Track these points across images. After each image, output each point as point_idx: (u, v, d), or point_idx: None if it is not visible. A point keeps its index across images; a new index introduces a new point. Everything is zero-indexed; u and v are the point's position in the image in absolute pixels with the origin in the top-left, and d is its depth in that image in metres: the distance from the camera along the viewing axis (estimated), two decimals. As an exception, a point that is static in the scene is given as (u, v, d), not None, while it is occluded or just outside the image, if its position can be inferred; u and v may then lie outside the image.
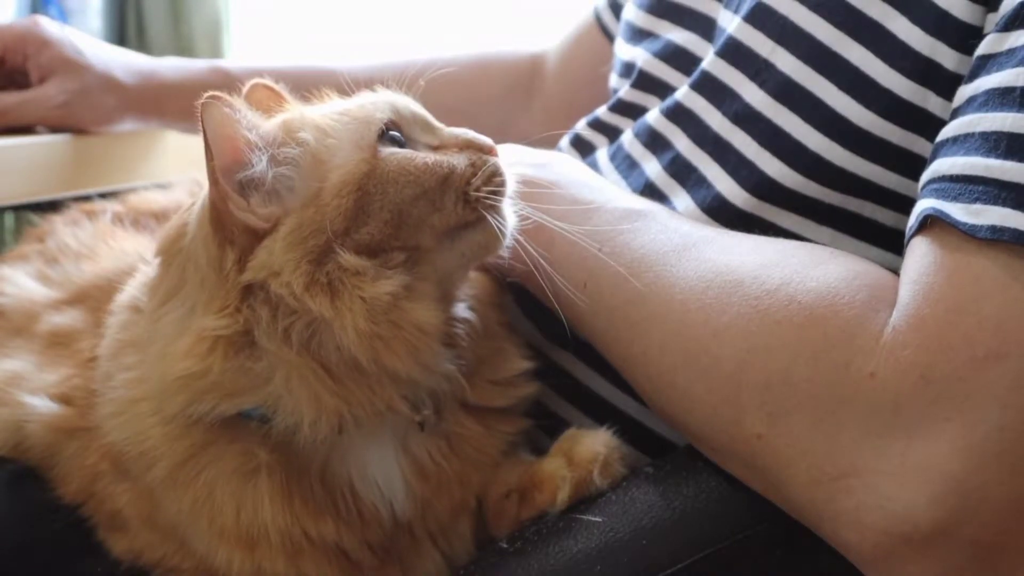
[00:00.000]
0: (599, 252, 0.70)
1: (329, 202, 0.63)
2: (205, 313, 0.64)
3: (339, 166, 0.65)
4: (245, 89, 0.75)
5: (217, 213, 0.63)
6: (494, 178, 0.68)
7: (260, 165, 0.64)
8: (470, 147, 0.69)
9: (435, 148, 0.69)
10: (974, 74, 0.61)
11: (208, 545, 0.68)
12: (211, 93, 0.62)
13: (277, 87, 0.75)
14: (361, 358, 0.63)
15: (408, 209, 0.64)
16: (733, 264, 0.65)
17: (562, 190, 0.75)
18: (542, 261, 0.69)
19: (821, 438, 0.57)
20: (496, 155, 0.70)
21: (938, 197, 0.58)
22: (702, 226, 0.71)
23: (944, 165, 0.59)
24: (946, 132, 0.61)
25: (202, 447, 0.67)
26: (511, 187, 0.70)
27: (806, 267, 0.62)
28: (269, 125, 0.66)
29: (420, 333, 0.64)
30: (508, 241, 0.69)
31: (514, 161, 0.74)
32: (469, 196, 0.66)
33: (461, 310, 0.72)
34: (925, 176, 0.61)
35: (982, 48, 0.62)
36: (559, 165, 0.79)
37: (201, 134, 0.62)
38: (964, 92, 0.62)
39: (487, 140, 0.70)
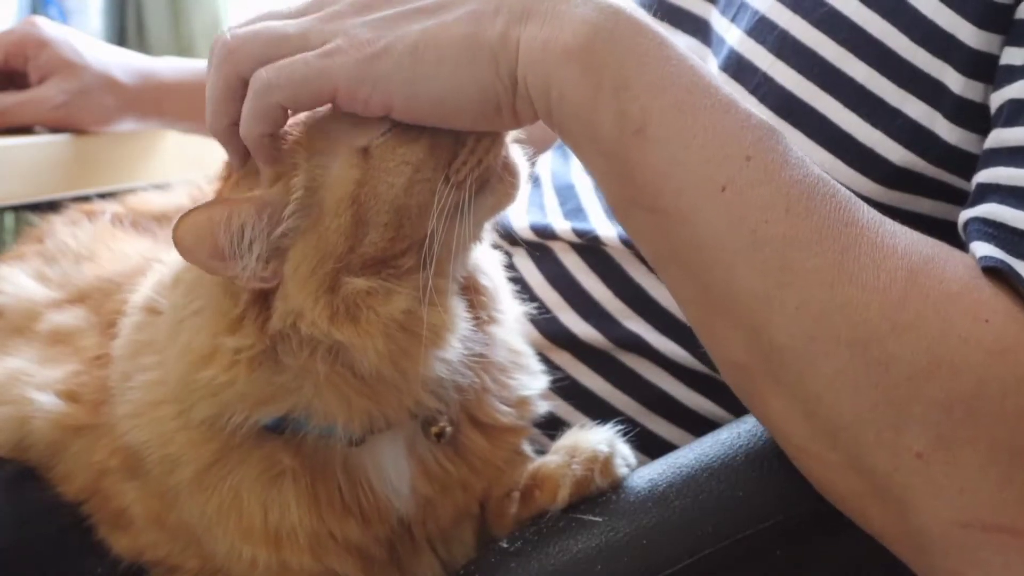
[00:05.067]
0: (743, 159, 0.56)
1: (328, 225, 0.62)
2: (227, 329, 0.63)
3: (332, 184, 0.63)
4: None
5: None
6: (483, 140, 0.63)
7: (254, 254, 0.62)
8: None
9: None
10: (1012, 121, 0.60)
11: (231, 545, 0.68)
12: (183, 214, 0.60)
13: None
14: (385, 374, 0.63)
15: (405, 202, 0.62)
16: (911, 249, 0.57)
17: (673, 55, 0.59)
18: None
19: (989, 483, 0.54)
20: None
21: (1001, 247, 0.56)
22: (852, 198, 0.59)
23: (1005, 213, 0.57)
24: (996, 177, 0.59)
25: (227, 452, 0.67)
26: (512, 135, 0.66)
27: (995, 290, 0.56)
28: (263, 195, 0.63)
29: (437, 335, 0.63)
30: (524, 186, 0.66)
31: None
32: (454, 176, 0.63)
33: (480, 274, 0.70)
34: (976, 215, 0.59)
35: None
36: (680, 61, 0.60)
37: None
38: (1005, 138, 0.60)
39: None
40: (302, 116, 0.66)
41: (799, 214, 0.56)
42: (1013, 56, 0.62)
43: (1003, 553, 0.54)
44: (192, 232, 0.61)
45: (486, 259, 0.73)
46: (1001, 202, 0.59)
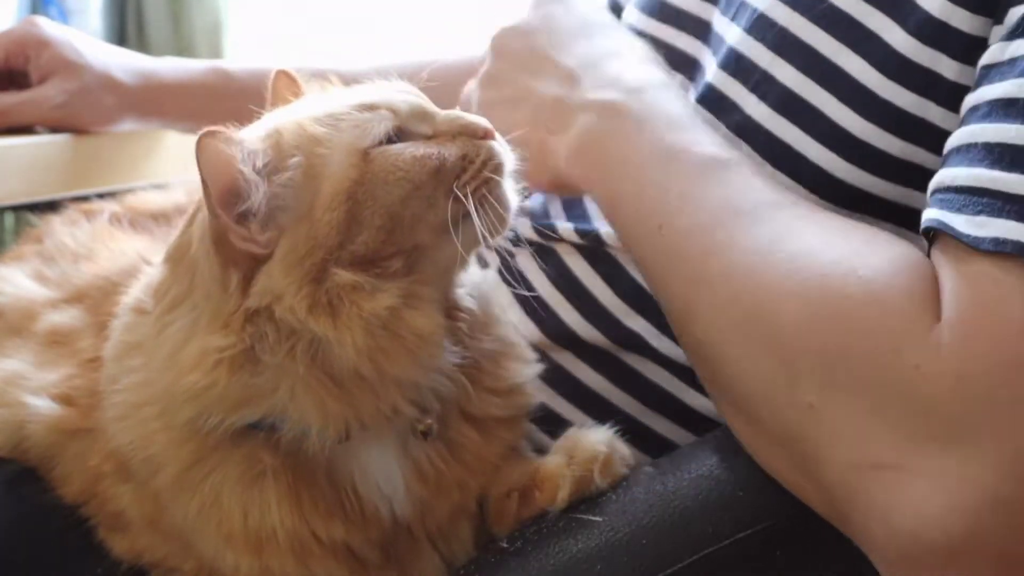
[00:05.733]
0: (677, 199, 0.69)
1: (321, 217, 0.63)
2: (210, 328, 0.64)
3: (330, 177, 0.64)
4: (271, 77, 0.75)
5: (218, 237, 0.63)
6: (487, 165, 0.66)
7: (258, 196, 0.63)
8: (463, 133, 0.68)
9: (429, 138, 0.68)
10: (978, 83, 0.61)
11: (215, 549, 0.68)
12: (207, 129, 0.61)
13: (296, 76, 0.75)
14: (363, 370, 0.63)
15: (400, 211, 0.64)
16: (806, 233, 0.64)
17: (648, 128, 0.72)
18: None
19: (871, 423, 0.57)
20: (492, 137, 0.68)
21: (942, 208, 0.58)
22: (780, 189, 0.69)
23: (948, 176, 0.59)
24: (952, 142, 0.61)
25: (207, 453, 0.67)
26: (509, 166, 0.68)
27: (873, 246, 0.62)
28: (264, 147, 0.64)
29: (420, 340, 0.64)
30: (511, 223, 0.68)
31: (601, 82, 0.75)
32: (460, 191, 0.65)
33: (463, 297, 0.71)
34: (931, 185, 0.61)
35: (985, 58, 0.62)
36: (652, 92, 0.75)
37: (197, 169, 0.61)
38: (968, 101, 0.62)
39: (481, 123, 0.68)
40: (304, 106, 0.67)
41: (706, 232, 0.67)
42: (994, 34, 0.63)
43: (888, 490, 0.55)
44: (212, 151, 0.61)
45: (478, 282, 0.73)
46: (944, 166, 0.61)
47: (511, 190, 0.68)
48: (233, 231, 0.63)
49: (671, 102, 0.75)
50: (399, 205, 0.64)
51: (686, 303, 0.67)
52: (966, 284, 0.56)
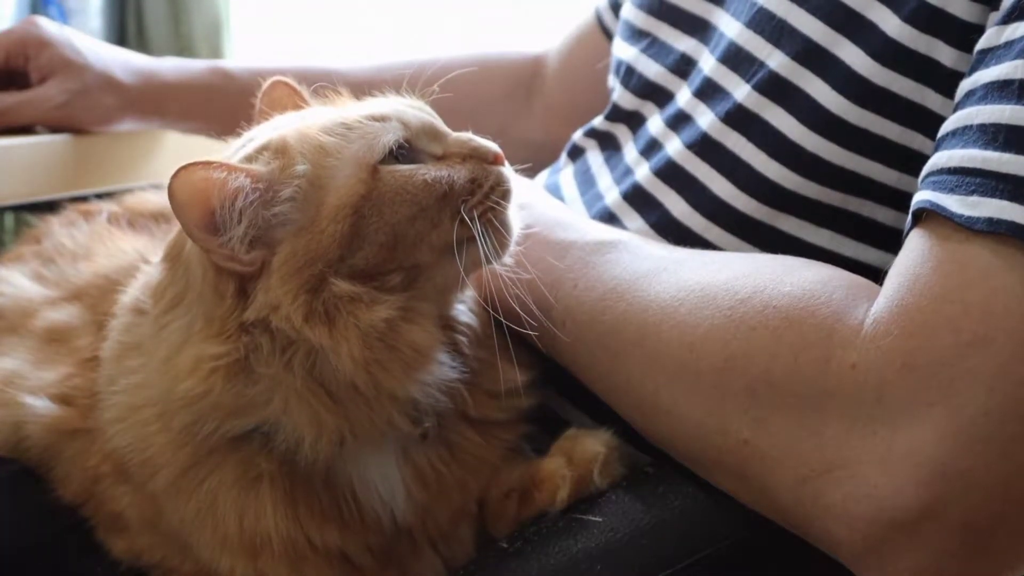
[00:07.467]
0: (574, 289, 0.71)
1: (325, 228, 0.63)
2: (205, 333, 0.64)
3: (336, 188, 0.63)
4: (265, 86, 0.75)
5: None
6: (496, 190, 0.67)
7: (237, 231, 0.62)
8: (474, 157, 0.68)
9: (439, 158, 0.68)
10: (973, 68, 0.61)
11: (211, 553, 0.68)
12: (186, 164, 0.60)
13: (297, 86, 0.75)
14: (359, 383, 0.63)
15: (404, 230, 0.64)
16: (704, 280, 0.65)
17: (539, 232, 0.75)
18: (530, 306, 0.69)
19: (806, 435, 0.57)
20: (501, 163, 0.69)
21: (935, 189, 0.58)
22: (674, 248, 0.72)
23: (942, 158, 0.59)
24: (945, 127, 0.61)
25: (204, 456, 0.67)
26: (515, 194, 0.69)
27: (779, 275, 0.62)
28: (256, 176, 0.63)
29: (417, 354, 0.64)
30: (512, 248, 0.69)
31: None
32: (467, 214, 0.65)
33: (462, 313, 0.71)
34: (924, 171, 0.61)
35: (981, 43, 0.62)
36: (536, 207, 0.78)
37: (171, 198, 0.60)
38: (963, 86, 0.62)
39: (491, 148, 0.69)
40: (314, 115, 0.67)
41: (607, 309, 0.69)
42: (991, 20, 0.63)
43: (839, 488, 0.56)
44: (187, 186, 0.60)
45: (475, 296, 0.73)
46: (937, 150, 0.61)
47: (515, 215, 0.69)
48: (215, 253, 0.62)
49: (554, 208, 0.79)
50: (404, 224, 0.64)
51: (612, 379, 0.69)
52: (932, 267, 0.56)
